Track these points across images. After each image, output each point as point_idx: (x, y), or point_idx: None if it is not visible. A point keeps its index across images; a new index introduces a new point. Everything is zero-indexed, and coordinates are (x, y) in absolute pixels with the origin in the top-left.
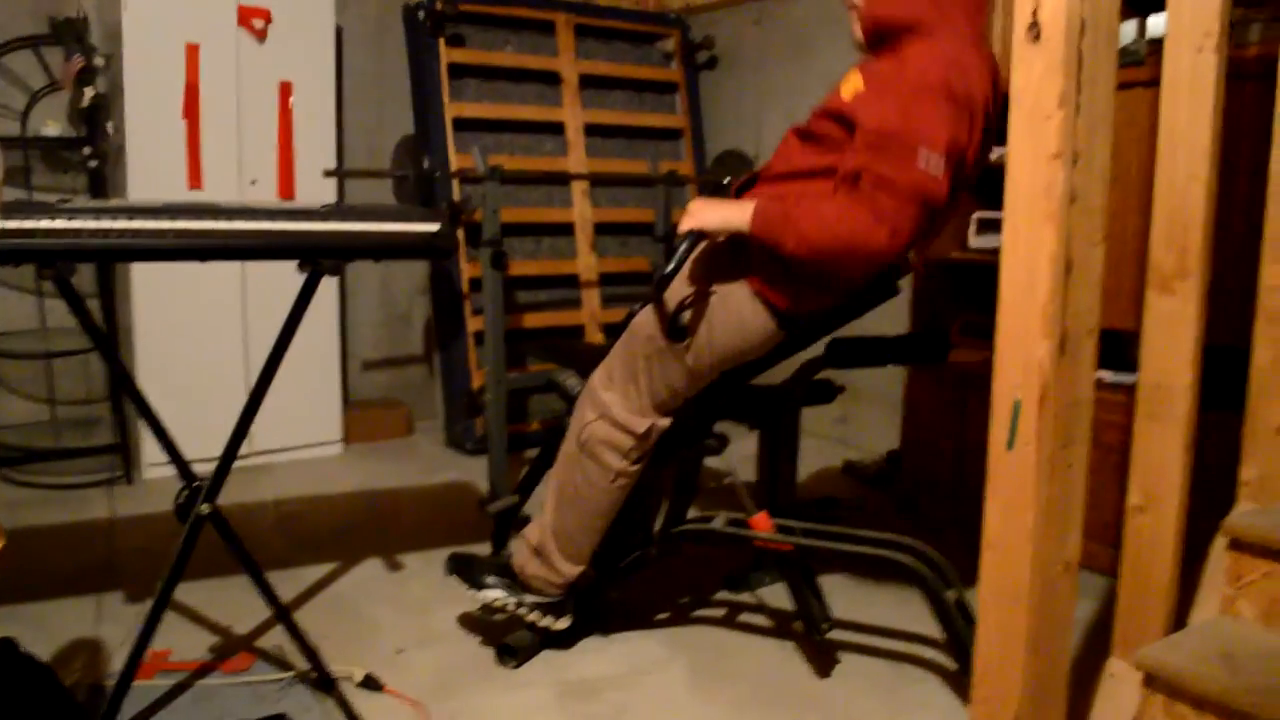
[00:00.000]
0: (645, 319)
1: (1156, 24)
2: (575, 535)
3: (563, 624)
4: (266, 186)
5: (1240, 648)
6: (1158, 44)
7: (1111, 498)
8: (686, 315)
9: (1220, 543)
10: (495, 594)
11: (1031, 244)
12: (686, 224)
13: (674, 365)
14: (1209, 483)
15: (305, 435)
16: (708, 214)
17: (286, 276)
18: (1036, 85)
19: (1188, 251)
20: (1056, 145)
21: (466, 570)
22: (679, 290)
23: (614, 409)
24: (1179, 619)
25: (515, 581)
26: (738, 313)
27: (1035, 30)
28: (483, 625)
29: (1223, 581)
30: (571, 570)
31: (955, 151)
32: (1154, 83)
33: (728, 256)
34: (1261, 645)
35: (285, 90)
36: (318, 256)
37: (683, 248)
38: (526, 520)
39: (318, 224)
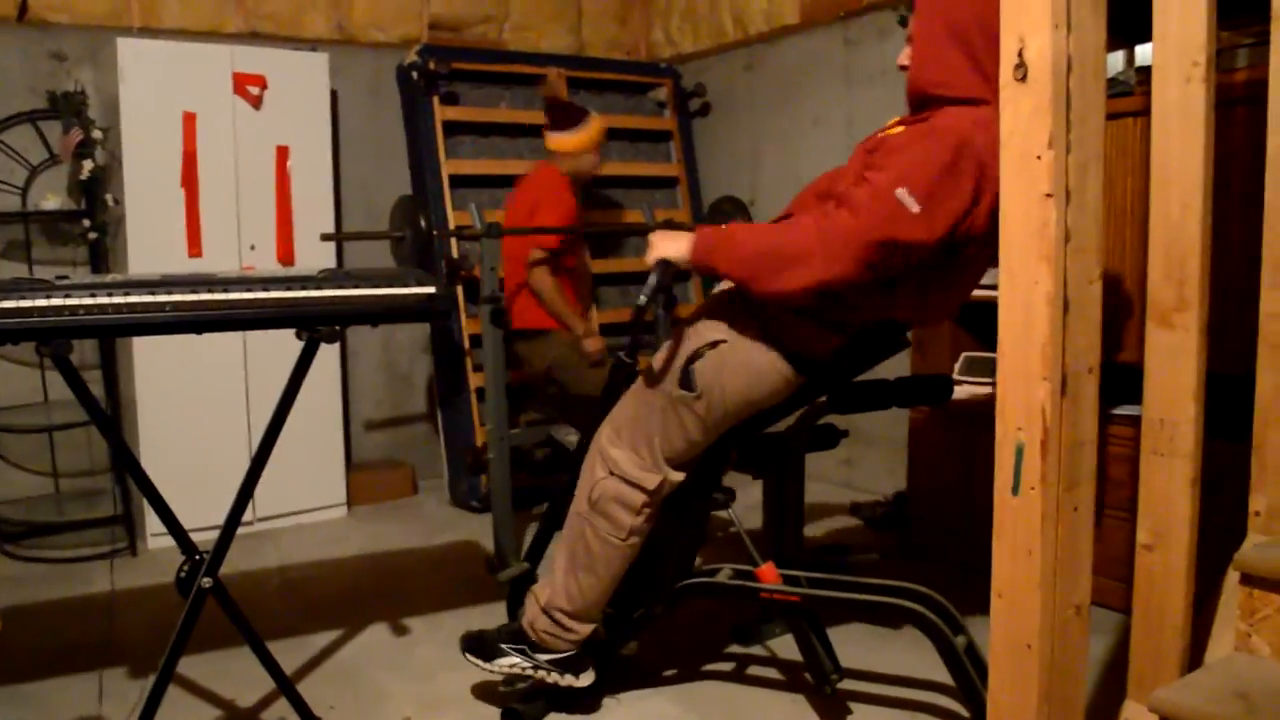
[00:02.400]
0: (656, 369)
1: (1145, 52)
2: (587, 593)
3: (585, 680)
4: (266, 251)
5: (1256, 686)
6: (1146, 72)
7: (1122, 533)
8: (701, 365)
9: (1233, 577)
10: (511, 660)
11: (1028, 284)
12: (651, 255)
13: (687, 417)
14: (1219, 514)
15: (309, 499)
16: (666, 244)
17: (287, 342)
18: (1025, 125)
19: (1186, 283)
20: (1048, 185)
21: (480, 647)
22: (690, 341)
23: (624, 465)
24: (1194, 656)
25: (526, 642)
26: (746, 359)
27: (1022, 70)
28: (491, 690)
29: (1237, 617)
30: (583, 629)
31: (936, 201)
32: (1145, 112)
33: (739, 304)
34: (1277, 682)
35: (282, 155)
36: (314, 324)
37: (653, 279)
38: (534, 580)
39: (313, 292)
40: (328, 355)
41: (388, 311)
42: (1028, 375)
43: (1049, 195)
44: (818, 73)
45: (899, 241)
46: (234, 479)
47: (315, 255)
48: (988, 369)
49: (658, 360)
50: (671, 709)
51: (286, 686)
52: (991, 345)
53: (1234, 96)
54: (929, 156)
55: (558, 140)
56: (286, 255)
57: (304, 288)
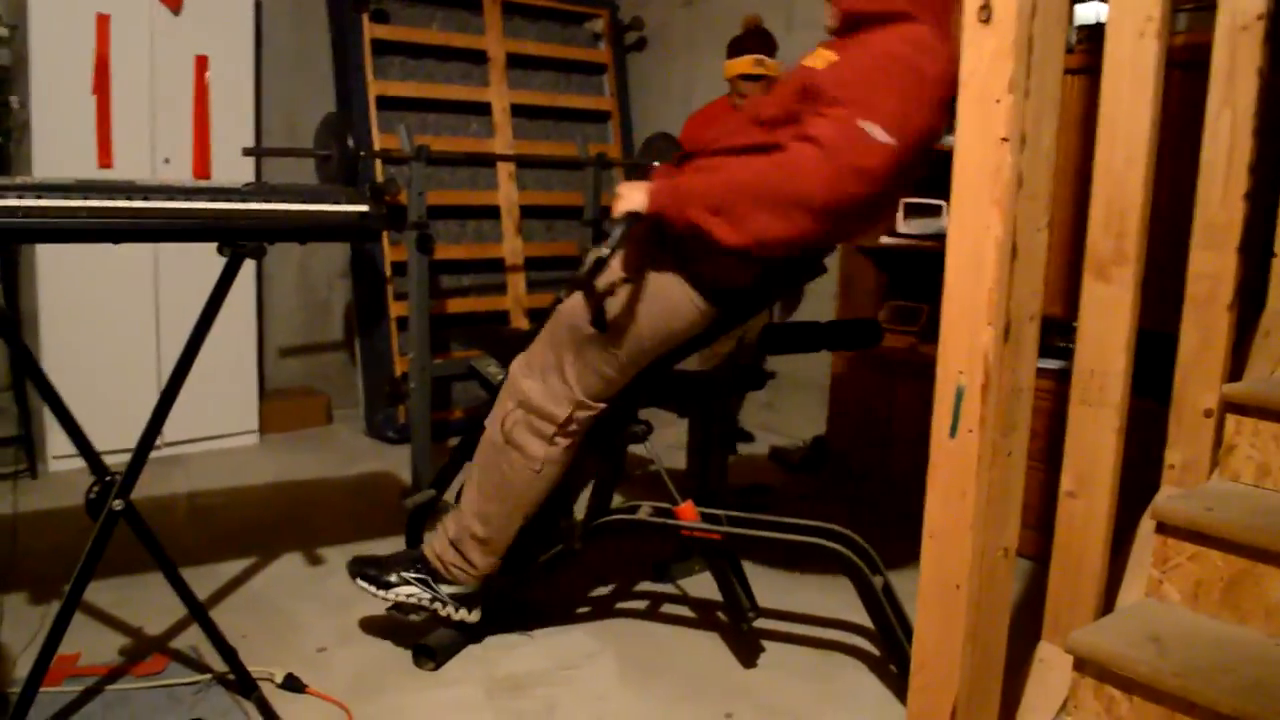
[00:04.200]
0: (571, 307)
1: (1084, 12)
2: (497, 527)
3: (474, 617)
4: (181, 165)
5: (1167, 630)
6: (1085, 30)
7: (1035, 482)
8: (613, 301)
9: (1147, 526)
10: (407, 590)
11: (978, 229)
12: (620, 207)
13: (605, 353)
14: (1132, 466)
15: (220, 425)
16: (636, 195)
17: (202, 259)
18: (987, 68)
19: (1125, 237)
20: (1005, 129)
21: (373, 572)
22: (604, 277)
23: (533, 396)
24: (1106, 602)
25: (429, 572)
26: (665, 295)
27: (986, 12)
28: (408, 624)
29: (1149, 564)
30: (489, 563)
31: (907, 128)
32: (1082, 70)
33: (652, 240)
34: (1188, 627)
35: (201, 64)
36: (240, 239)
37: (618, 231)
38: (442, 511)
39: (240, 204)
40: (243, 277)
41: (318, 229)
42: (973, 319)
43: (1005, 140)
44: (760, 12)
45: (875, 173)
46: (140, 400)
47: (233, 172)
48: (910, 317)
49: (571, 296)
50: (590, 643)
51: (200, 613)
52: (916, 295)
53: (1172, 60)
54: (883, 81)
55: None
56: (203, 170)
57: (229, 200)
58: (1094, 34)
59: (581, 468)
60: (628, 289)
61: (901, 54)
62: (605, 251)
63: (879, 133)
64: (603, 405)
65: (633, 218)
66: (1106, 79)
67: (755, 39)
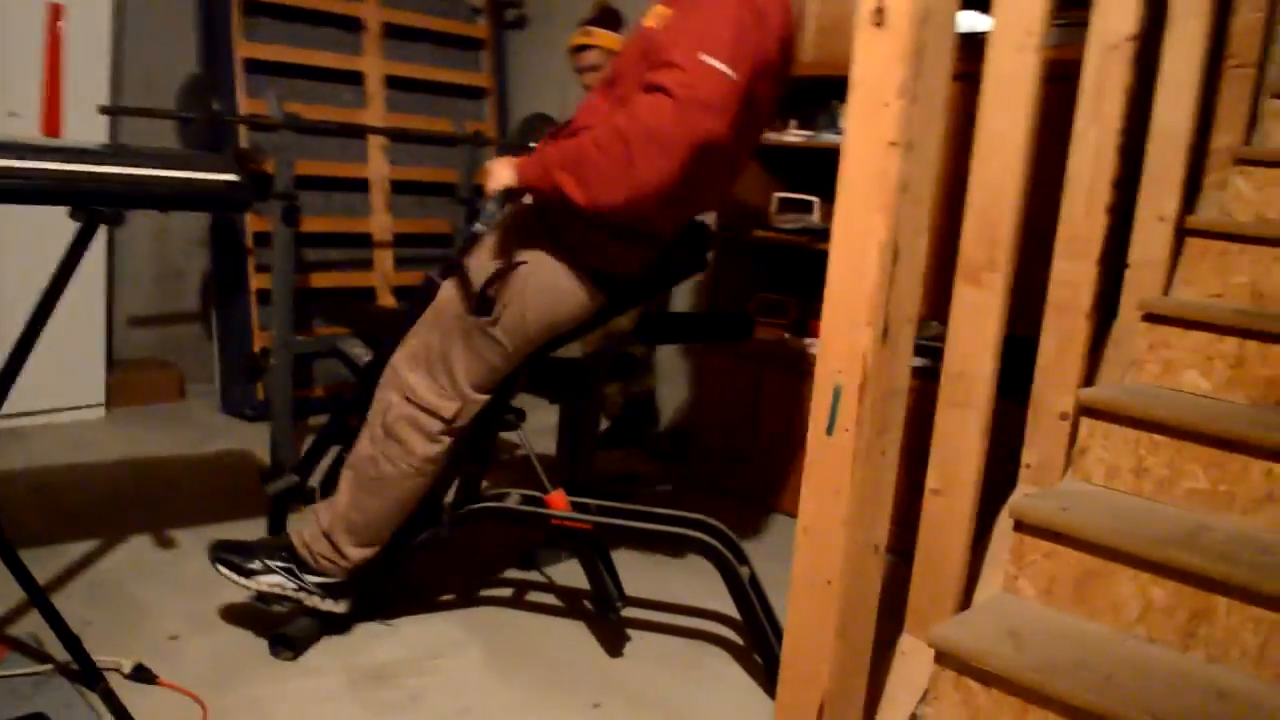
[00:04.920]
0: (452, 294)
1: (960, 21)
2: (373, 521)
3: (341, 607)
4: (28, 120)
5: (1023, 625)
6: (959, 39)
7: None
8: (495, 289)
9: (1005, 524)
10: (271, 579)
11: (863, 231)
12: (492, 185)
13: (489, 342)
14: (988, 464)
15: (63, 397)
16: (505, 171)
17: (45, 222)
18: (878, 72)
19: (997, 245)
20: (893, 133)
21: (235, 559)
22: (486, 264)
23: (420, 391)
24: (965, 596)
25: (295, 560)
26: (551, 281)
27: (880, 15)
28: (263, 611)
29: (1007, 561)
30: (361, 555)
31: (743, 61)
32: (959, 78)
33: (535, 224)
34: (1043, 623)
35: (55, 13)
36: (98, 203)
37: (491, 207)
38: (307, 497)
39: (98, 166)
40: (92, 242)
41: (182, 196)
42: (853, 320)
43: (893, 144)
44: None
45: (720, 104)
46: None
47: (85, 130)
48: (779, 310)
49: (453, 282)
50: (455, 631)
51: (40, 598)
52: (785, 289)
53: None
54: (717, 19)
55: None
56: (53, 127)
57: (87, 161)
58: (967, 42)
59: (456, 457)
60: (512, 275)
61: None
62: (478, 227)
63: (720, 65)
64: (487, 397)
65: (506, 193)
66: (986, 91)
67: (596, 17)
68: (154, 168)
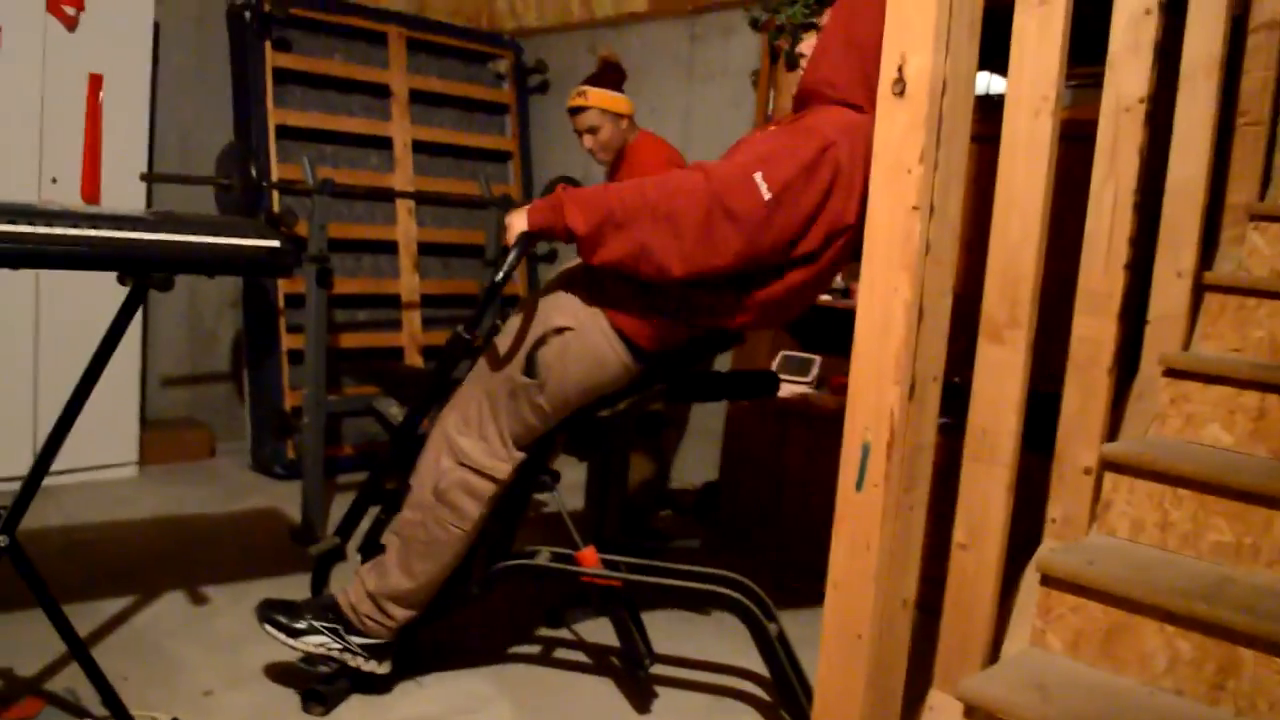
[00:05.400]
0: (497, 355)
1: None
2: (422, 584)
3: (384, 669)
4: (68, 186)
5: (1051, 678)
6: (979, 102)
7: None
8: (545, 350)
9: (1032, 578)
10: (318, 639)
11: (888, 292)
12: (510, 234)
13: (529, 404)
14: (1013, 518)
15: (97, 456)
16: (519, 219)
17: (86, 286)
18: (899, 139)
19: (1018, 304)
20: (915, 198)
21: (282, 619)
22: (536, 327)
23: (474, 455)
24: (993, 650)
25: (340, 621)
26: (595, 349)
27: (900, 86)
28: (296, 667)
29: (1033, 614)
30: (407, 615)
31: (790, 196)
32: (977, 139)
33: (584, 290)
34: (1070, 675)
35: (95, 83)
36: (148, 270)
37: (512, 255)
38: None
39: (146, 234)
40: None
41: (226, 262)
42: (880, 378)
43: (915, 208)
44: (660, 64)
45: (740, 215)
46: (16, 431)
47: (123, 195)
48: (804, 368)
49: (503, 343)
50: (485, 688)
51: (81, 652)
52: (807, 346)
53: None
54: (793, 151)
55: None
56: (92, 193)
57: (136, 229)
58: (983, 104)
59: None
60: (558, 339)
61: (820, 128)
62: (499, 277)
63: (763, 186)
64: (524, 455)
65: (524, 239)
66: (1004, 155)
67: (593, 75)
68: (201, 234)
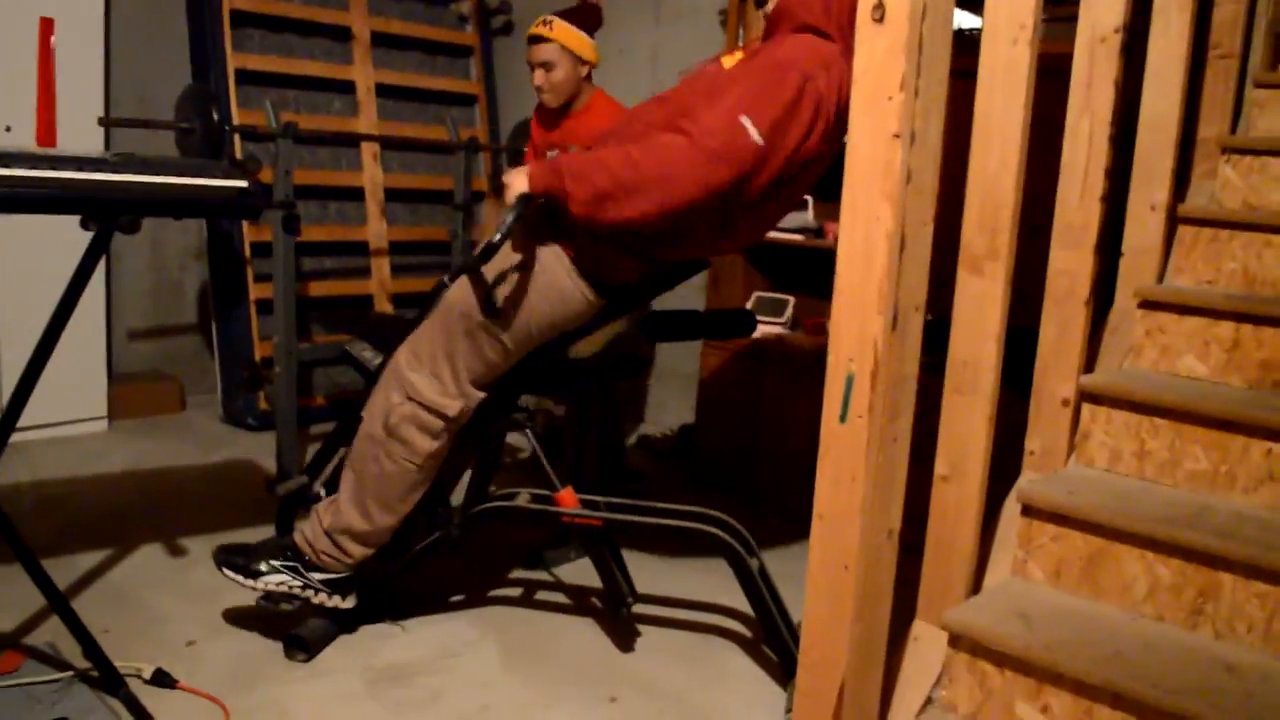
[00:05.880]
0: (459, 294)
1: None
2: (375, 518)
3: (349, 603)
4: (23, 133)
5: (1033, 607)
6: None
7: None
8: (503, 287)
9: (1012, 509)
10: (277, 578)
11: (869, 221)
12: (510, 194)
13: (490, 340)
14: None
15: (65, 410)
16: (520, 179)
17: (41, 234)
18: (879, 66)
19: (998, 234)
20: (896, 125)
21: (240, 561)
22: (495, 263)
23: (424, 391)
24: (975, 581)
25: (298, 559)
26: (556, 284)
27: (880, 11)
28: (278, 614)
29: (1015, 545)
30: (363, 552)
31: (778, 138)
32: (954, 75)
33: (544, 228)
34: (1052, 604)
35: (46, 27)
36: (115, 212)
37: (510, 216)
38: (314, 498)
39: (111, 175)
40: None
41: (194, 204)
42: (863, 309)
43: (896, 136)
44: (627, 5)
45: (734, 161)
46: None
47: (79, 142)
48: (778, 309)
49: (461, 282)
50: (469, 631)
51: (62, 606)
52: (780, 286)
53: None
54: (775, 90)
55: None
56: (48, 139)
57: (101, 170)
58: (960, 39)
59: (461, 455)
60: (518, 276)
61: (797, 62)
62: (497, 237)
63: (753, 131)
64: (484, 394)
65: (524, 200)
66: (982, 84)
67: (566, 10)
68: (167, 176)
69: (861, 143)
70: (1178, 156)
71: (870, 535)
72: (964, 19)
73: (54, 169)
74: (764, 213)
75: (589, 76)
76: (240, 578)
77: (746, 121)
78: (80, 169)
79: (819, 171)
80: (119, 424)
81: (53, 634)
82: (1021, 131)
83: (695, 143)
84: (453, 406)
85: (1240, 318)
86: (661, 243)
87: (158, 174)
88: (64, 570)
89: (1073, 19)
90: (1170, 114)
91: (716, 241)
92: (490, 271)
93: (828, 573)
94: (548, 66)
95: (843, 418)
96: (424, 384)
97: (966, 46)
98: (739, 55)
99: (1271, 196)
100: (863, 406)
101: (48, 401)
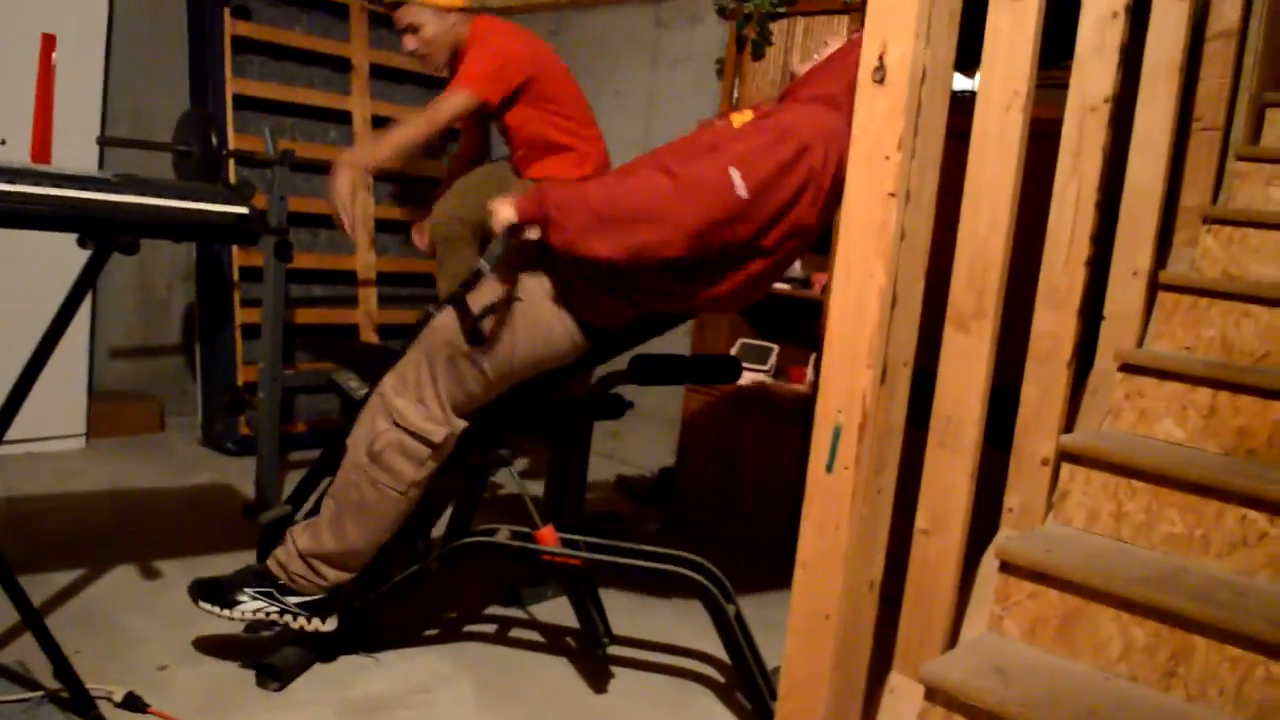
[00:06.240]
0: (445, 322)
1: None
2: (353, 543)
3: (329, 625)
4: (17, 148)
5: (1009, 663)
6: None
7: None
8: (490, 320)
9: (990, 565)
10: (254, 605)
11: (863, 277)
12: (497, 222)
13: (473, 370)
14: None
15: (43, 427)
16: (506, 208)
17: (30, 251)
18: (878, 126)
19: (985, 294)
20: (892, 184)
21: (216, 593)
22: (483, 294)
23: (410, 416)
24: (952, 636)
25: (274, 584)
26: (543, 321)
27: (881, 74)
28: (253, 640)
29: (991, 600)
30: (339, 576)
31: (765, 195)
32: (949, 135)
33: (535, 263)
34: (1028, 660)
35: (48, 44)
36: (111, 232)
37: (498, 245)
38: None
39: (112, 195)
40: (73, 272)
41: (194, 227)
42: (853, 362)
43: (892, 195)
44: (625, 48)
45: (717, 217)
46: None
47: (74, 159)
48: (762, 356)
49: (449, 310)
50: (444, 666)
51: (36, 624)
52: (765, 334)
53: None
54: (771, 150)
55: None
56: (43, 155)
57: (100, 189)
58: (952, 100)
59: (444, 489)
60: (504, 307)
61: (799, 130)
62: (485, 267)
63: (740, 184)
64: (465, 423)
65: (512, 229)
66: (974, 147)
67: None
68: (168, 199)
69: (858, 200)
70: (1160, 224)
71: (852, 585)
72: (958, 81)
73: (57, 187)
74: (746, 272)
75: (463, 17)
76: (217, 609)
77: (735, 174)
78: (84, 188)
79: (809, 241)
80: (96, 442)
81: (22, 653)
82: (1012, 195)
83: (679, 184)
84: (438, 433)
85: (1218, 385)
86: (642, 287)
87: (159, 196)
88: (36, 589)
89: (1062, 86)
90: (1155, 183)
91: (698, 294)
92: (476, 302)
93: (809, 621)
94: (414, 30)
95: (829, 468)
96: (410, 410)
97: (959, 107)
98: (749, 115)
99: (1250, 268)
100: (849, 457)
101: (25, 416)
